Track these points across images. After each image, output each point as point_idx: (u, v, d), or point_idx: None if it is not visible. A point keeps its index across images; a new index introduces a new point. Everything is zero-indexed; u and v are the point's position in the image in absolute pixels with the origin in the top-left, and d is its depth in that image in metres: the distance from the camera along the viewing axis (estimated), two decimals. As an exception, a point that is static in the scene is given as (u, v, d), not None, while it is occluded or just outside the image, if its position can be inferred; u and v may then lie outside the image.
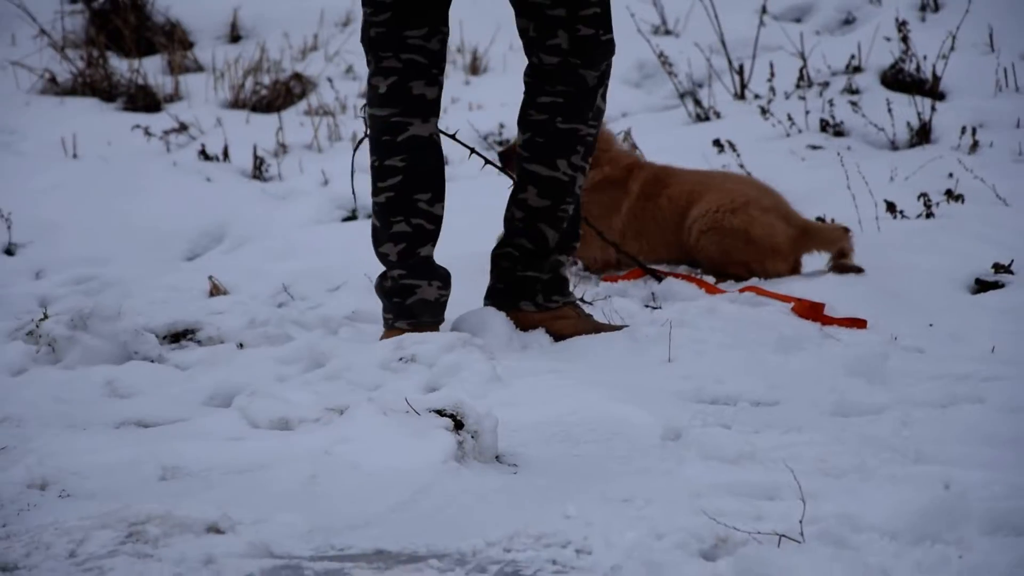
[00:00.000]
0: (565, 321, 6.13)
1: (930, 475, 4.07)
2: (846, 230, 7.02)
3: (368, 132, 5.94)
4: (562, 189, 6.03)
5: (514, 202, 6.13)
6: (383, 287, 5.96)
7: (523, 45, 6.04)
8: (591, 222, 6.91)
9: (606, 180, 7.17)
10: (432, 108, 5.91)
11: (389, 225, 5.89)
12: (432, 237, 5.94)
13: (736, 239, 6.97)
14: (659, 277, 6.83)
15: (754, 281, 6.89)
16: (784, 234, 7.00)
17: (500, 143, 10.67)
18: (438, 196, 5.93)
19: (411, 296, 5.90)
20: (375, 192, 5.91)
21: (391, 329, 5.93)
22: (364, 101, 5.93)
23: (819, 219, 7.75)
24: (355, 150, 6.60)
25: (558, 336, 6.09)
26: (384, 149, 5.86)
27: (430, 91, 5.87)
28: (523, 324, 6.12)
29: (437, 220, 5.94)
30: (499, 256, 6.17)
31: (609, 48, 5.98)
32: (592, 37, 5.93)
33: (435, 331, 5.89)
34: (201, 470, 4.28)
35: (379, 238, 5.94)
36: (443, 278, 5.96)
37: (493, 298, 6.18)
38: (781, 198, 7.21)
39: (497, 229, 6.85)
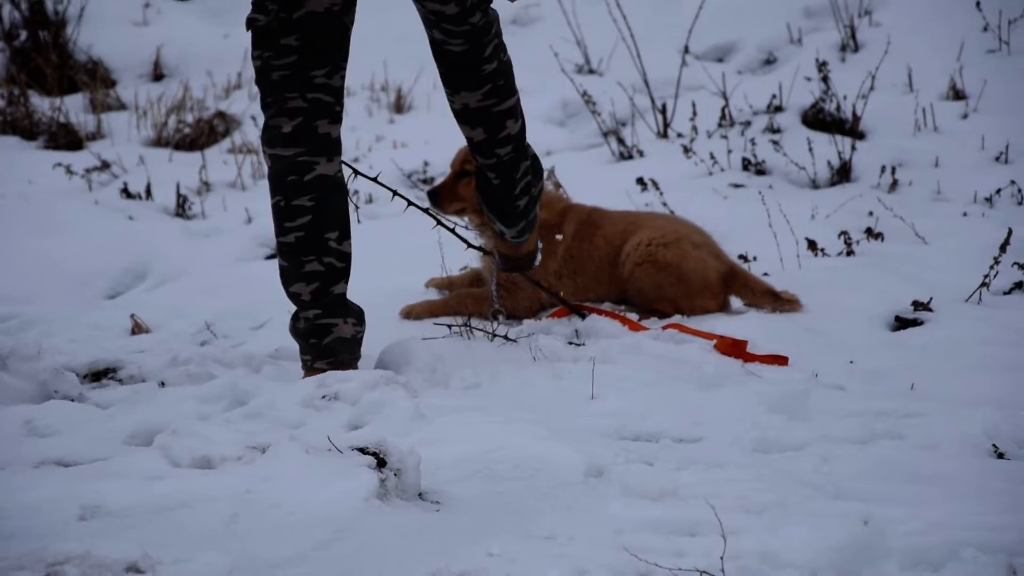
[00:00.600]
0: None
1: (850, 511, 4.10)
2: (774, 295, 7.02)
3: (269, 175, 5.91)
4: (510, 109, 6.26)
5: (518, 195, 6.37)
6: (297, 328, 5.96)
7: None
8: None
9: (542, 224, 7.19)
10: (336, 147, 5.92)
11: (300, 264, 5.88)
12: (344, 275, 5.95)
13: (668, 273, 7.01)
14: (583, 314, 6.85)
15: (677, 318, 6.92)
16: (715, 271, 7.04)
17: (424, 181, 10.68)
18: (345, 234, 5.95)
19: (328, 335, 5.91)
20: (282, 232, 5.88)
21: (311, 370, 5.93)
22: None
23: (742, 257, 7.81)
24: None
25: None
26: (291, 189, 5.84)
27: (334, 129, 5.89)
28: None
29: (347, 258, 5.95)
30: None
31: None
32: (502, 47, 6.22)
33: (354, 368, 5.89)
34: (121, 509, 4.24)
35: (289, 278, 5.92)
36: (357, 315, 5.97)
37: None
38: (710, 237, 7.26)
39: (420, 267, 6.87)
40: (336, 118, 5.91)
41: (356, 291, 6.04)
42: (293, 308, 5.94)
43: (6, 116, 12.06)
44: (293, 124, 5.82)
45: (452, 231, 6.66)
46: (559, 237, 7.18)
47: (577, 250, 7.22)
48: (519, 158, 6.34)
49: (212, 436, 4.95)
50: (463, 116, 6.22)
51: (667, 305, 7.01)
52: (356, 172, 6.41)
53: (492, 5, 6.09)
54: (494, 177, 6.35)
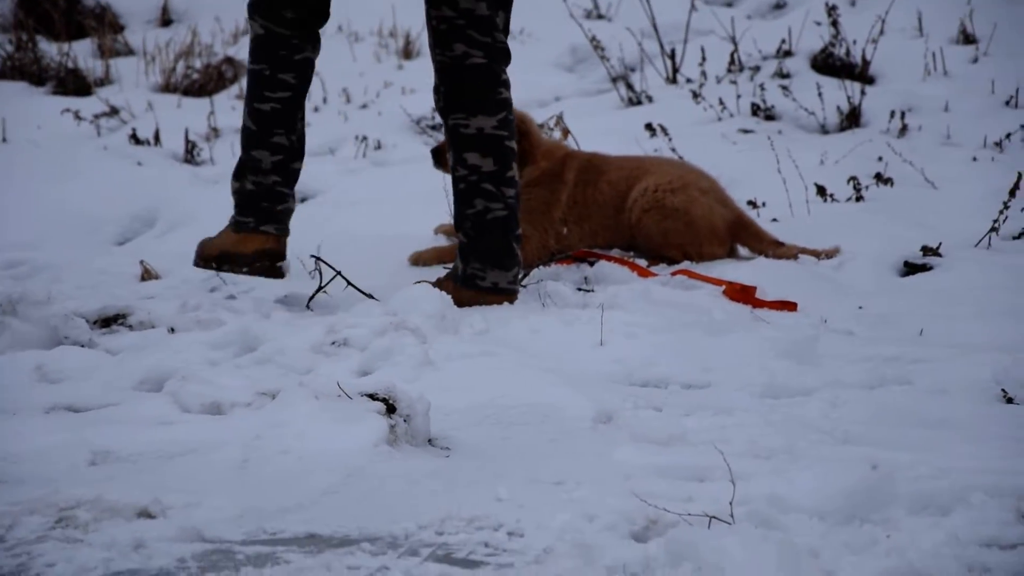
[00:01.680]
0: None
1: (858, 456, 4.10)
2: (778, 243, 7.03)
3: (256, 42, 6.21)
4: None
5: (464, 171, 6.18)
6: (246, 189, 6.26)
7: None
8: (532, 217, 6.98)
9: (543, 174, 7.17)
10: (319, 43, 6.35)
11: (270, 134, 6.23)
12: (301, 155, 6.33)
13: (676, 219, 7.00)
14: (591, 261, 6.85)
15: (686, 264, 6.92)
16: (722, 217, 7.03)
17: (432, 127, 10.66)
18: (304, 120, 6.35)
19: (282, 203, 6.27)
20: (259, 99, 6.20)
21: (255, 233, 6.26)
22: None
23: (750, 203, 7.80)
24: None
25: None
26: (279, 62, 6.19)
27: (319, 28, 6.32)
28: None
29: (304, 141, 6.35)
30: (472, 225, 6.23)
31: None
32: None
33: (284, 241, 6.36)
34: (132, 455, 4.26)
35: (253, 143, 6.25)
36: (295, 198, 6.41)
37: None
38: (717, 183, 7.24)
39: (428, 214, 6.87)
40: (324, 21, 6.32)
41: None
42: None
43: (14, 61, 12.04)
44: (294, 14, 6.16)
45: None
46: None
47: (581, 196, 7.20)
48: (487, 195, 6.21)
49: (222, 382, 4.97)
50: (476, 142, 6.16)
51: (675, 251, 7.01)
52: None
53: None
54: (499, 213, 6.21)
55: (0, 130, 10.29)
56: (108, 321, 6.14)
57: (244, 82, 11.92)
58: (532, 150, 7.15)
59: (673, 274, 6.58)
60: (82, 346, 5.74)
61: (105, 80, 12.21)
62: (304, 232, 7.17)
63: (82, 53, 12.51)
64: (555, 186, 7.17)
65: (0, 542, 3.57)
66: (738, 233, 7.07)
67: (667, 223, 7.00)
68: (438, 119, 10.78)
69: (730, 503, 3.65)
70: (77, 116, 10.46)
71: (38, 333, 5.76)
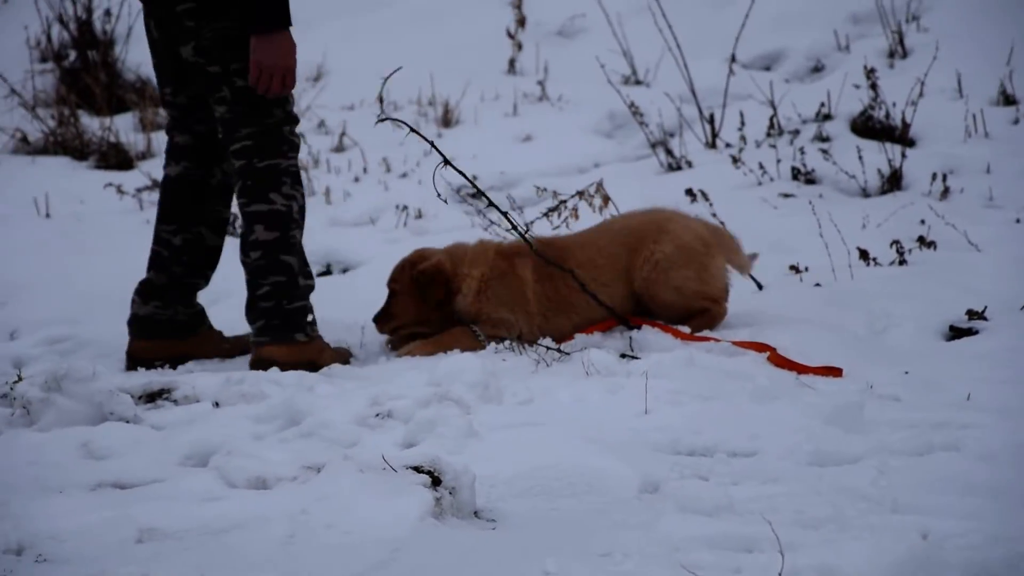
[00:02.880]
0: (328, 352, 6.79)
1: (908, 525, 4.07)
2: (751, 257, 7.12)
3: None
4: (283, 218, 6.71)
5: (247, 246, 6.73)
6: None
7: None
8: (508, 305, 6.99)
9: (488, 278, 7.15)
10: None
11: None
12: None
13: (679, 270, 6.94)
14: (633, 326, 6.84)
15: (728, 331, 6.88)
16: (702, 235, 7.03)
17: (472, 195, 10.69)
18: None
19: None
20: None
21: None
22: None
23: (793, 268, 7.78)
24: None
25: (319, 366, 6.69)
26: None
27: None
28: (296, 357, 6.67)
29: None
30: (258, 298, 6.72)
31: (275, 98, 6.62)
32: (246, 88, 6.63)
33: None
34: (178, 532, 4.26)
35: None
36: None
37: (268, 332, 6.72)
38: (676, 213, 7.23)
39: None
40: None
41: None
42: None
43: (57, 136, 12.14)
44: None
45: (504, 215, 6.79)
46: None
47: (552, 291, 7.09)
48: (270, 268, 6.73)
49: (267, 456, 4.97)
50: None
51: (697, 301, 6.94)
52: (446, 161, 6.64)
53: None
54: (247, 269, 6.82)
55: (43, 205, 10.36)
56: (153, 396, 6.15)
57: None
58: (457, 260, 7.18)
59: (711, 340, 6.56)
60: (127, 422, 5.74)
61: (147, 153, 12.29)
62: (345, 302, 7.19)
63: (123, 127, 12.59)
64: (512, 283, 7.15)
65: (48, 622, 3.57)
66: (720, 241, 7.07)
67: (673, 276, 6.95)
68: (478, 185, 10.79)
69: (779, 574, 3.62)
70: (119, 190, 10.52)
71: (83, 409, 5.77)
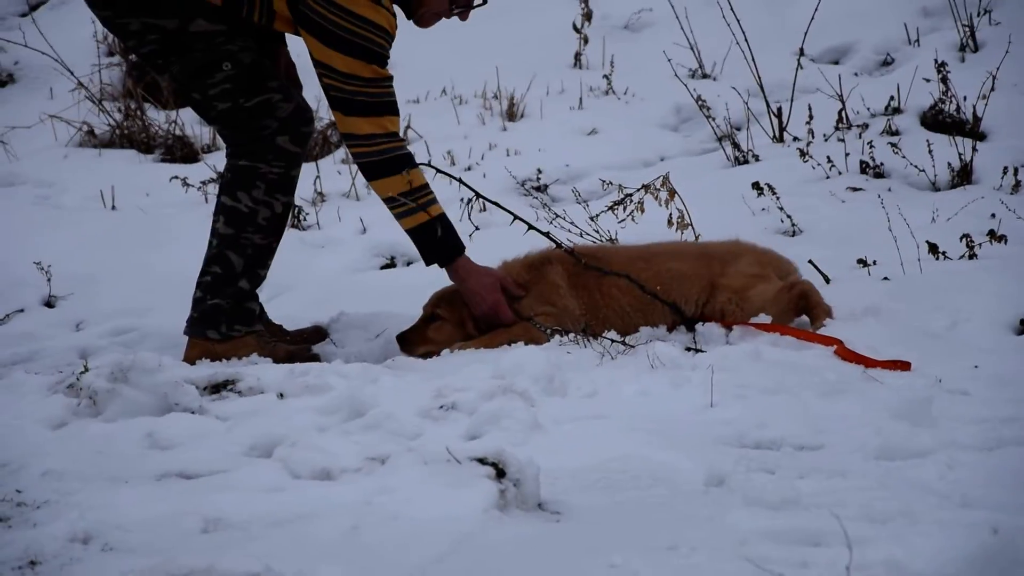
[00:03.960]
0: (247, 350, 6.85)
1: (977, 520, 4.02)
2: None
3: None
4: (242, 219, 6.80)
5: (211, 232, 6.89)
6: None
7: None
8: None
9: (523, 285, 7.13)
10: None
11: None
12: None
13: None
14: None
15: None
16: (776, 297, 6.95)
17: (537, 188, 10.67)
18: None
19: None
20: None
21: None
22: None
23: (860, 261, 7.72)
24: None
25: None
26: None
27: None
28: (211, 354, 6.82)
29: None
30: (198, 285, 6.90)
31: (261, 110, 6.73)
32: (232, 108, 6.75)
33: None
34: (243, 522, 4.26)
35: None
36: None
37: (189, 326, 6.91)
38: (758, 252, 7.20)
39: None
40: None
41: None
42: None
43: (123, 130, 12.21)
44: None
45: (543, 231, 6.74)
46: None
47: (586, 299, 7.04)
48: (215, 259, 6.89)
49: (331, 447, 4.97)
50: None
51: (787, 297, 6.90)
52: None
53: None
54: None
55: (110, 198, 10.42)
56: (218, 387, 6.17)
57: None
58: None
59: (784, 333, 6.51)
60: (192, 413, 5.76)
61: (212, 146, 12.35)
62: (410, 297, 7.19)
63: (189, 120, 12.65)
64: (545, 288, 7.09)
65: (113, 611, 3.58)
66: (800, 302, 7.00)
67: (753, 297, 6.89)
68: (543, 180, 10.79)
69: (847, 568, 3.59)
70: (185, 183, 10.56)
71: (149, 400, 5.80)
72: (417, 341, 7.01)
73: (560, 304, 6.99)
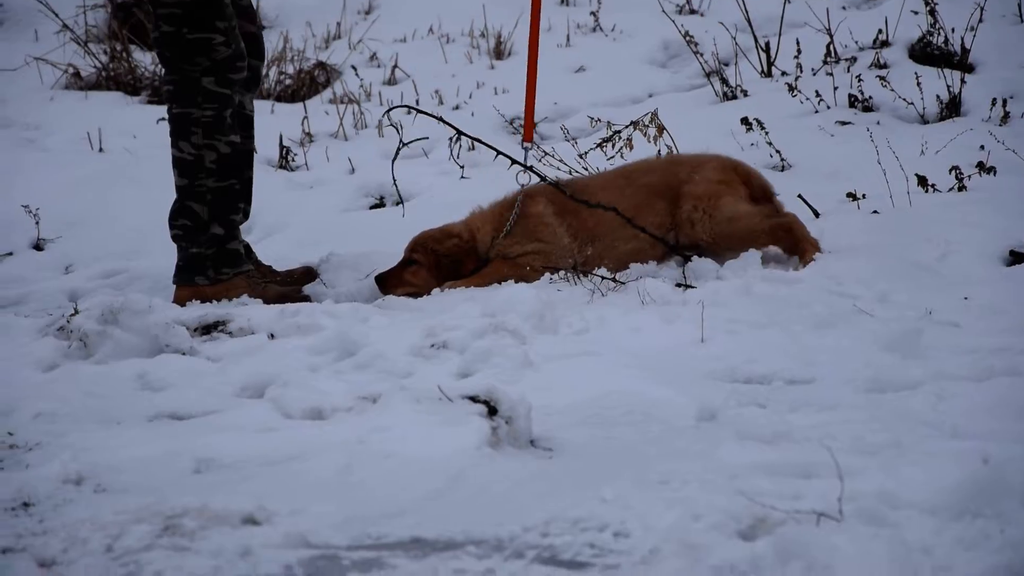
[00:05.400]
0: (237, 291, 6.90)
1: (968, 450, 4.03)
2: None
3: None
4: (190, 167, 6.86)
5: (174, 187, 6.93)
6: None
7: None
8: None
9: (503, 225, 7.15)
10: None
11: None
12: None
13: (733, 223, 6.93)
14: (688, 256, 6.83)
15: None
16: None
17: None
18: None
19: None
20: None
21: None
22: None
23: (850, 195, 7.71)
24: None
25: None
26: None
27: None
28: (201, 296, 6.85)
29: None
30: (174, 237, 6.93)
31: (200, 47, 6.78)
32: (174, 34, 6.79)
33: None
34: (235, 462, 4.27)
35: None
36: None
37: (177, 275, 6.94)
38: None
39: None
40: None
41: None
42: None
43: (109, 72, 12.15)
44: None
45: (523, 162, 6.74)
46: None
47: (576, 222, 7.04)
48: (180, 212, 6.96)
49: (323, 387, 4.98)
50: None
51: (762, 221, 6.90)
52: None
53: None
54: None
55: (96, 140, 10.38)
56: (208, 328, 6.17)
57: (336, 86, 11.97)
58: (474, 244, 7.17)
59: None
60: (183, 354, 5.77)
61: (199, 88, 12.28)
62: (401, 234, 7.18)
63: (176, 62, 12.58)
64: (527, 222, 7.12)
65: (107, 551, 3.58)
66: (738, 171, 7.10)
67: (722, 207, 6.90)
68: (531, 119, 10.74)
69: (838, 500, 3.60)
70: (173, 124, 10.51)
71: (139, 342, 5.80)
72: (394, 283, 7.04)
73: (549, 238, 6.99)
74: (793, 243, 6.82)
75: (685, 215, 6.92)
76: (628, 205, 6.96)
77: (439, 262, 7.01)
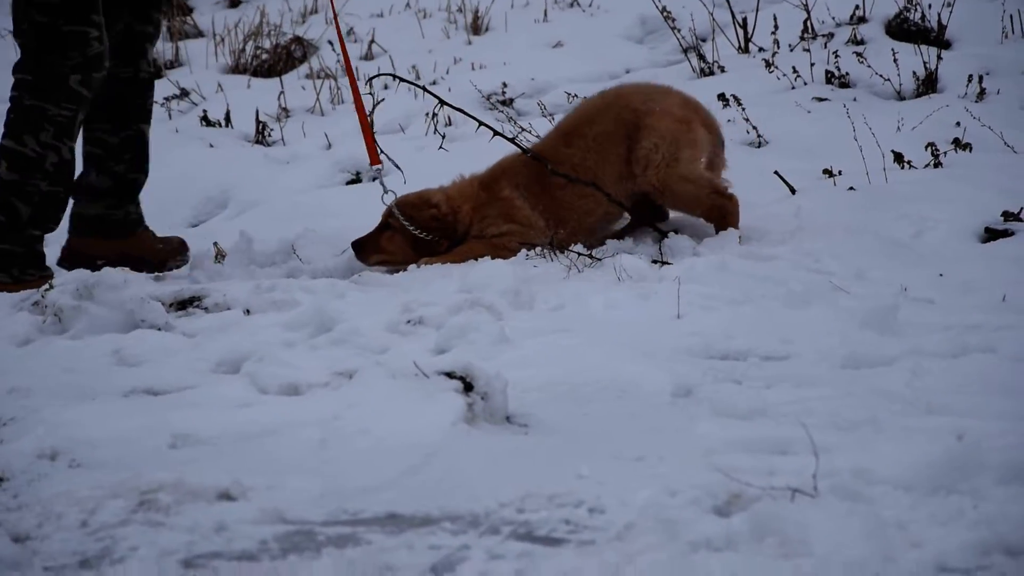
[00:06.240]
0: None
1: (943, 426, 4.04)
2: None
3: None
4: (29, 165, 6.62)
5: None
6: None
7: None
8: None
9: (480, 205, 7.12)
10: None
11: None
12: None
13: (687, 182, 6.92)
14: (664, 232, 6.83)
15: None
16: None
17: (503, 102, 10.63)
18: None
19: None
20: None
21: None
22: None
23: (826, 171, 7.72)
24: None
25: None
26: None
27: None
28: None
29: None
30: None
31: (74, 40, 6.55)
32: (47, 25, 6.55)
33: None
34: (211, 437, 4.26)
35: None
36: None
37: None
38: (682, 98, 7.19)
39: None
40: None
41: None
42: None
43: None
44: None
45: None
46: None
47: (546, 201, 7.03)
48: (2, 207, 6.72)
49: (298, 363, 4.97)
50: None
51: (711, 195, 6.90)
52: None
53: None
54: None
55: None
56: (184, 304, 6.15)
57: (312, 61, 11.94)
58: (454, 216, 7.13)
59: None
60: (159, 329, 5.75)
61: (175, 62, 12.26)
62: (376, 213, 7.17)
63: (152, 37, 12.54)
64: (500, 205, 7.09)
65: (83, 526, 3.58)
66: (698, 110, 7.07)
67: (679, 167, 6.88)
68: (508, 94, 10.73)
69: (814, 476, 3.61)
70: (148, 99, 10.48)
71: (115, 317, 5.79)
72: (371, 249, 7.03)
73: (523, 220, 6.98)
74: (721, 223, 6.85)
75: (644, 152, 6.87)
76: (581, 166, 6.93)
77: (415, 237, 6.98)
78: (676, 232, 6.90)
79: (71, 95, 6.61)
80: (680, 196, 6.87)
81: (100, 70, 6.66)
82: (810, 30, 10.66)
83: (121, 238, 7.15)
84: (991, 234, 6.71)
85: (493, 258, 6.76)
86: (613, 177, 6.94)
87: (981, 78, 9.16)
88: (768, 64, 9.75)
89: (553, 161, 6.94)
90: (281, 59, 12.12)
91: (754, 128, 8.66)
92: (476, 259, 6.80)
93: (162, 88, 11.02)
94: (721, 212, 6.85)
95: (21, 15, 6.62)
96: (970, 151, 7.97)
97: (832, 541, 3.27)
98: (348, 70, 7.30)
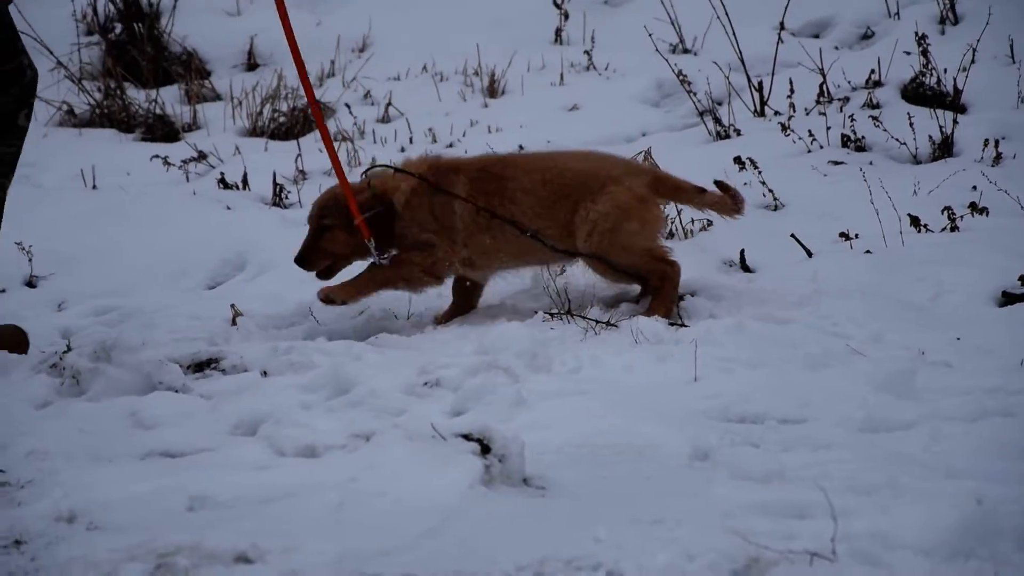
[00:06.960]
0: None
1: (962, 490, 4.03)
2: (700, 190, 6.92)
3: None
4: None
5: None
6: None
7: None
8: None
9: (420, 191, 6.97)
10: None
11: None
12: None
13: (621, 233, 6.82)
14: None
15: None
16: (640, 192, 6.84)
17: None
18: None
19: None
20: None
21: None
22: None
23: (842, 235, 7.72)
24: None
25: None
26: None
27: None
28: None
29: None
30: None
31: (12, 77, 6.35)
32: None
33: None
34: (228, 500, 4.26)
35: None
36: None
37: None
38: (617, 159, 7.09)
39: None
40: None
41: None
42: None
43: (103, 109, 12.16)
44: None
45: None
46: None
47: (483, 220, 6.90)
48: None
49: (316, 425, 4.98)
50: None
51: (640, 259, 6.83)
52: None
53: None
54: None
55: (90, 177, 10.38)
56: (201, 366, 6.16)
57: (330, 124, 11.99)
58: (374, 179, 7.03)
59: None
60: (176, 391, 5.76)
61: (193, 125, 12.30)
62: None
63: (169, 99, 12.61)
64: (437, 204, 6.94)
65: (99, 589, 3.58)
66: (660, 191, 6.88)
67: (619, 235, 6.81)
68: (525, 157, 10.76)
69: (832, 540, 3.60)
70: (166, 162, 10.53)
71: (132, 379, 5.79)
72: (316, 257, 6.96)
73: (441, 236, 6.87)
74: (655, 290, 6.78)
75: (585, 222, 6.81)
76: (543, 195, 6.87)
77: (355, 228, 6.86)
78: (693, 295, 6.89)
79: (18, 132, 6.48)
80: (618, 258, 6.77)
81: (33, 95, 6.52)
82: (826, 94, 10.68)
83: None
84: (1008, 298, 6.70)
85: (402, 286, 6.82)
86: (560, 223, 6.87)
87: (997, 142, 9.16)
88: (784, 127, 9.77)
89: (524, 176, 6.91)
90: (298, 122, 12.16)
91: (770, 191, 8.67)
92: (384, 287, 6.84)
93: (179, 151, 11.07)
94: (660, 278, 6.76)
95: None
96: (987, 215, 7.97)
97: (851, 606, 3.26)
98: (333, 160, 7.14)
